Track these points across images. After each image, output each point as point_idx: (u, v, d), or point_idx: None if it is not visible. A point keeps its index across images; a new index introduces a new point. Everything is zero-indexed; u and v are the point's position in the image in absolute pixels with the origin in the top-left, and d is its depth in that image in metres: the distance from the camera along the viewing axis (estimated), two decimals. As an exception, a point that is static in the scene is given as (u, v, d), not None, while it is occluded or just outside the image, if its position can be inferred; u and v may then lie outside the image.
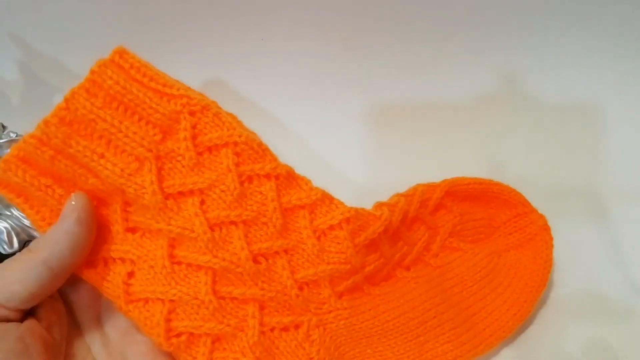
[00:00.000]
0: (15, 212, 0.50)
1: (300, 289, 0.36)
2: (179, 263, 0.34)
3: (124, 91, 0.32)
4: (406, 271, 0.42)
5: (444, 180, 0.43)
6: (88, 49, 0.44)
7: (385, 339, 0.39)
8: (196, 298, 0.33)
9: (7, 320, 0.30)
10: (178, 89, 0.33)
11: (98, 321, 0.35)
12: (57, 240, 0.31)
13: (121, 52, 0.32)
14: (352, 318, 0.38)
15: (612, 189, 0.51)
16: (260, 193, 0.34)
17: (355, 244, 0.37)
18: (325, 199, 0.36)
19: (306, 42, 0.49)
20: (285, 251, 0.35)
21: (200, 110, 0.33)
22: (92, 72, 0.32)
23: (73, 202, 0.32)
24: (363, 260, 0.38)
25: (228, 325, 0.34)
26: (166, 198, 0.33)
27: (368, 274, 0.39)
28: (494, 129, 0.53)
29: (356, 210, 0.37)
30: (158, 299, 0.33)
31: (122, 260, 0.34)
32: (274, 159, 0.35)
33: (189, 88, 0.34)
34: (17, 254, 0.31)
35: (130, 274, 0.34)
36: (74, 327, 0.34)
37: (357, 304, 0.39)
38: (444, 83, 0.53)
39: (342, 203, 0.37)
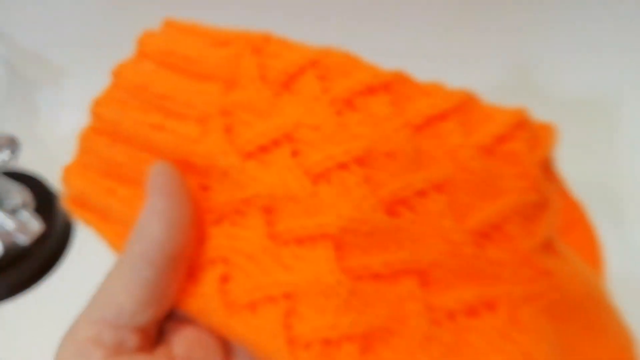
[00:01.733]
0: (-1, 217, 0.48)
1: (478, 244, 0.23)
2: (286, 242, 0.24)
3: (175, 51, 0.26)
4: None
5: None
6: (72, 45, 0.42)
7: (595, 309, 0.25)
8: (319, 283, 0.23)
9: (124, 347, 0.23)
10: (232, 33, 0.27)
11: None
12: (147, 225, 0.24)
13: (169, 22, 0.28)
14: (568, 286, 0.24)
15: (630, 188, 0.48)
16: (369, 115, 0.24)
17: (537, 162, 0.24)
18: (474, 101, 0.24)
19: (302, 31, 0.48)
20: (438, 188, 0.23)
21: (263, 42, 0.26)
22: (139, 42, 0.27)
23: (155, 174, 0.25)
24: (549, 190, 0.24)
25: (376, 316, 0.22)
26: (246, 158, 0.25)
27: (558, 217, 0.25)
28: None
29: (527, 112, 0.25)
30: (268, 297, 0.23)
31: (212, 262, 0.25)
32: (371, 66, 0.25)
33: (246, 31, 0.27)
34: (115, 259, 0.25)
35: (226, 278, 0.24)
36: None
37: (565, 264, 0.24)
38: (451, 75, 0.50)
39: (495, 105, 0.25)
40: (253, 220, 0.24)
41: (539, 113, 0.50)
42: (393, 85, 0.24)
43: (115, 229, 0.26)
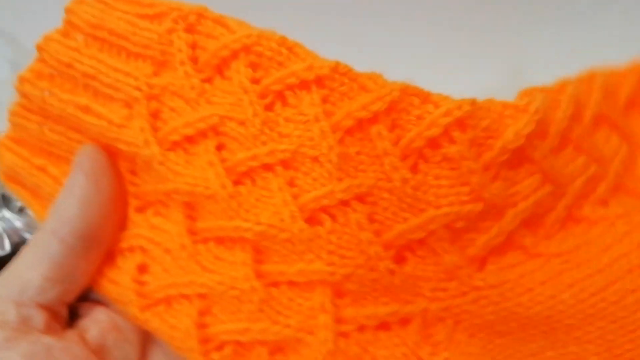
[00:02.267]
0: (7, 214, 0.50)
1: (398, 259, 0.22)
2: (205, 240, 0.24)
3: (103, 24, 0.25)
4: (602, 206, 0.24)
5: (635, 64, 0.26)
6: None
7: (578, 330, 0.22)
8: (234, 287, 0.22)
9: (29, 325, 0.22)
10: (166, 4, 0.25)
11: None
12: (62, 202, 0.24)
13: None
14: (508, 302, 0.22)
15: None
16: (299, 113, 0.22)
17: (484, 164, 0.21)
18: (411, 96, 0.22)
19: (301, 30, 0.47)
20: (360, 199, 0.22)
21: (197, 20, 0.24)
22: (67, 10, 0.25)
23: (81, 154, 0.24)
24: (509, 191, 0.22)
25: (287, 326, 0.22)
26: (170, 148, 0.24)
27: (526, 216, 0.22)
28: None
29: (475, 103, 0.22)
30: (182, 295, 0.23)
31: (131, 250, 0.24)
32: (309, 56, 0.23)
33: (181, 2, 0.25)
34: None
35: (142, 268, 0.24)
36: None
37: (516, 277, 0.23)
38: (446, 78, 0.50)
39: (444, 97, 0.22)
40: (175, 213, 0.24)
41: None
42: (328, 80, 0.22)
43: (44, 206, 0.26)
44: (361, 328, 0.22)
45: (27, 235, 0.51)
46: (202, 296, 0.23)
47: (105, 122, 0.24)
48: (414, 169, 0.22)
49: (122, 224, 0.25)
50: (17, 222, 0.51)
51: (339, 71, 0.22)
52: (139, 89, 0.24)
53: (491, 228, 0.22)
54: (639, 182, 0.25)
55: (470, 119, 0.21)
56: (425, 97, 0.22)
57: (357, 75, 0.22)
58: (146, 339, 0.25)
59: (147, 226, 0.25)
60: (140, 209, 0.25)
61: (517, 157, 0.22)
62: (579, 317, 0.22)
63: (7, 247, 0.49)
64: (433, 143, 0.22)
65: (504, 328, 0.22)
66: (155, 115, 0.24)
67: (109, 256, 0.25)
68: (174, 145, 0.24)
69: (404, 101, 0.22)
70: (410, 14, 0.50)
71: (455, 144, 0.21)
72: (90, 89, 0.25)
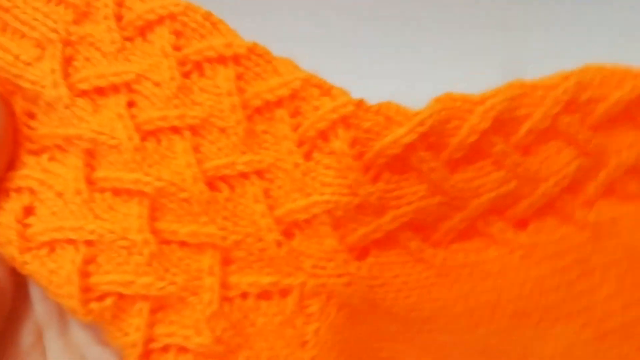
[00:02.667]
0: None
1: (287, 233, 0.23)
2: (102, 190, 0.23)
3: None
4: (517, 228, 0.25)
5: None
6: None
7: (443, 333, 0.25)
8: (125, 238, 0.22)
9: None
10: None
11: (61, 313, 0.25)
12: None
13: None
14: (374, 295, 0.24)
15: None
16: (214, 86, 0.24)
17: (364, 163, 0.23)
18: (313, 87, 0.24)
19: (300, 30, 0.47)
20: (259, 174, 0.23)
21: None
22: None
23: None
24: (391, 193, 0.24)
25: (173, 283, 0.23)
26: (79, 95, 0.23)
27: (409, 220, 0.24)
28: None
29: (361, 104, 0.23)
30: (68, 240, 0.23)
31: (18, 190, 0.24)
32: (230, 33, 0.24)
33: None
34: None
35: (28, 210, 0.23)
36: (26, 316, 0.25)
37: (391, 275, 0.24)
38: (445, 78, 0.51)
39: (342, 93, 0.24)
40: (73, 159, 0.24)
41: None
42: (244, 59, 0.24)
43: None
44: (244, 295, 0.23)
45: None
46: (89, 243, 0.23)
47: (12, 56, 0.24)
48: (308, 156, 0.24)
49: (11, 164, 0.24)
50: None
51: (255, 52, 0.24)
52: (56, 31, 0.24)
53: (370, 223, 0.24)
54: (582, 204, 0.25)
55: (353, 118, 0.23)
56: (325, 90, 0.24)
57: (272, 59, 0.24)
58: (22, 290, 0.24)
59: (39, 169, 0.24)
60: (34, 152, 0.24)
61: (402, 164, 0.24)
62: (427, 329, 0.25)
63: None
64: (323, 135, 0.24)
65: (366, 315, 0.25)
66: (68, 61, 0.24)
67: None
68: (83, 94, 0.24)
69: (305, 91, 0.24)
70: (410, 13, 0.51)
71: (338, 140, 0.23)
72: (1, 22, 0.24)
